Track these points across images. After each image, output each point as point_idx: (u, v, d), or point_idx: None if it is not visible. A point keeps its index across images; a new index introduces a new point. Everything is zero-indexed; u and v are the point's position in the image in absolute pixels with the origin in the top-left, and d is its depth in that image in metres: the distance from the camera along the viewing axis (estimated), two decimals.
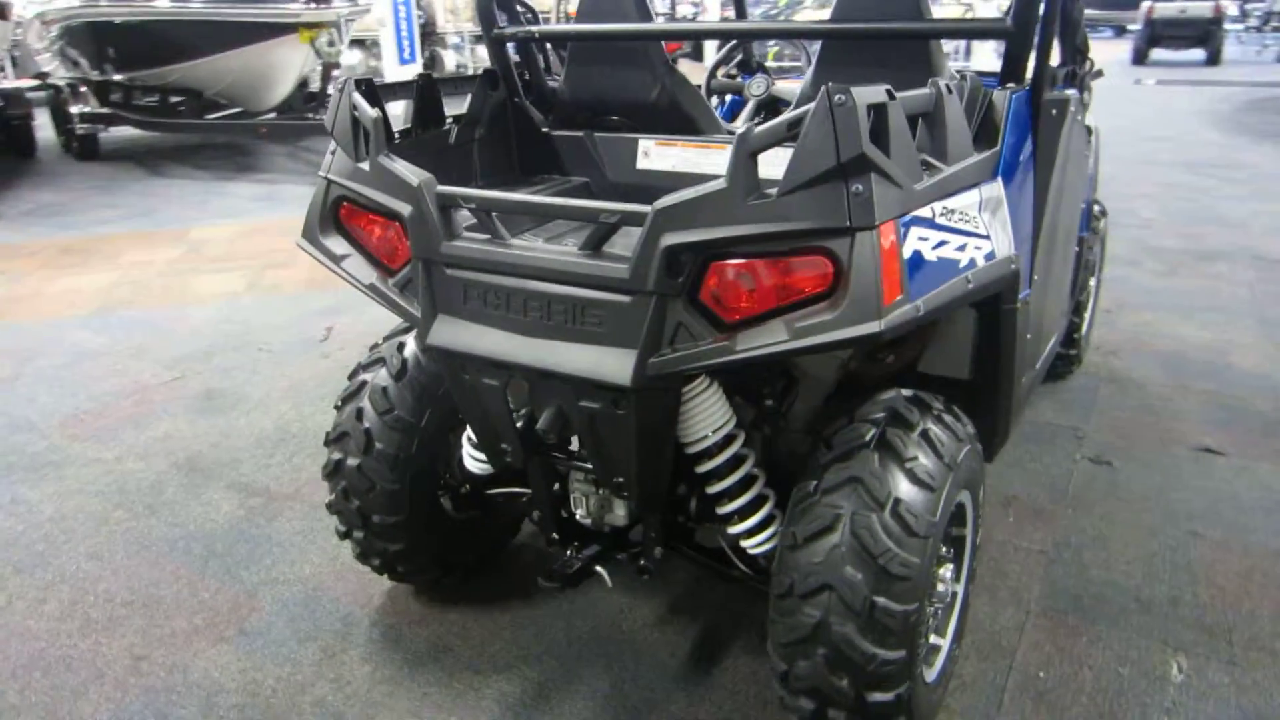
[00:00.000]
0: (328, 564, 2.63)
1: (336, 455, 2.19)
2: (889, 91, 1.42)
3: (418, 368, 2.18)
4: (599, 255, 1.61)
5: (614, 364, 1.59)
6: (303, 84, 8.96)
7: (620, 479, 1.81)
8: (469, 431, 2.22)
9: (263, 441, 3.39)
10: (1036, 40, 1.81)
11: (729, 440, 1.85)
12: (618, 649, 2.26)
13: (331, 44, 8.32)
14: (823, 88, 1.37)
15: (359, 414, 2.16)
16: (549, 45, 2.74)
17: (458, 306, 1.77)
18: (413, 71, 13.22)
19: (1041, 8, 1.79)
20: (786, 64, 3.43)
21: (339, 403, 2.23)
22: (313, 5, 8.21)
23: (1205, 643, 2.20)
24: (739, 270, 1.48)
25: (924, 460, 1.65)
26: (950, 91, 1.61)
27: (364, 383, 2.19)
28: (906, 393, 1.82)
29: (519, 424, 1.90)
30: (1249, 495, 2.83)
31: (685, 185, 2.29)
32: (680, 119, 2.42)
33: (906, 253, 1.45)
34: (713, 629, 2.31)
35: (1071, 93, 2.17)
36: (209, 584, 2.56)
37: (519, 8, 2.52)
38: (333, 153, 1.96)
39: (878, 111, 1.40)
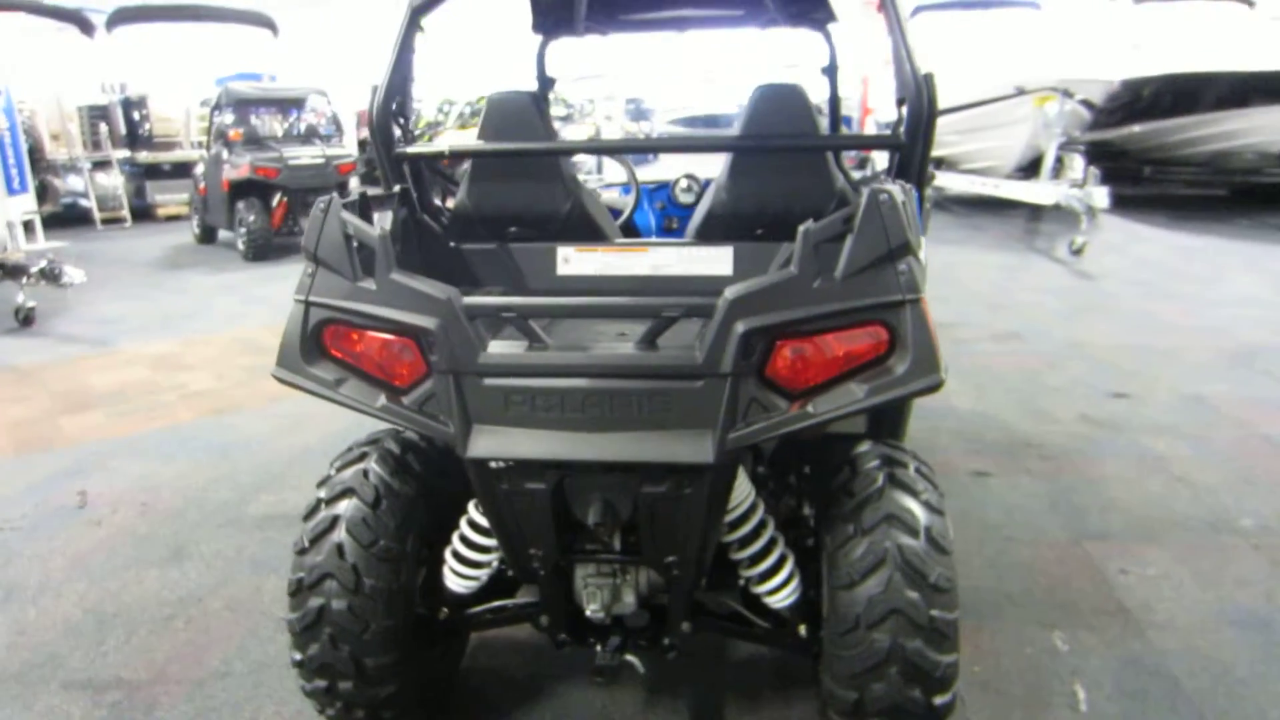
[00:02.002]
0: None
1: (316, 602, 1.99)
2: (902, 189, 1.76)
3: (392, 493, 2.07)
4: (654, 346, 1.74)
5: (690, 446, 1.71)
6: None
7: (673, 558, 1.90)
8: (455, 546, 2.15)
9: (77, 630, 2.83)
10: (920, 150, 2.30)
11: (754, 508, 2.03)
12: None
13: None
14: (866, 190, 1.68)
15: (339, 550, 1.99)
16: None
17: (498, 415, 1.77)
18: (24, 202, 11.64)
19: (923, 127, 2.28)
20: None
21: (304, 546, 2.03)
22: None
23: (1067, 617, 2.75)
24: (809, 345, 1.70)
25: (929, 492, 1.96)
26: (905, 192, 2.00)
27: (335, 518, 2.03)
28: (874, 443, 2.12)
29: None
30: (1026, 502, 3.56)
31: (615, 287, 2.48)
32: (589, 228, 2.59)
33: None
34: (697, 700, 2.41)
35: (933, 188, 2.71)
36: None
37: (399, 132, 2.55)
38: (312, 275, 1.87)
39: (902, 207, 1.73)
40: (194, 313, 7.52)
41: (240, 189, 9.72)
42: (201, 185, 10.75)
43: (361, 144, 16.80)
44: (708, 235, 2.52)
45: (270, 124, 10.99)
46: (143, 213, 13.68)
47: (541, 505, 1.86)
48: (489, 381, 1.75)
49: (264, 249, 9.70)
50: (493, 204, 2.56)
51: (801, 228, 1.69)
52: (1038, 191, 9.51)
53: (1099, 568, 3.04)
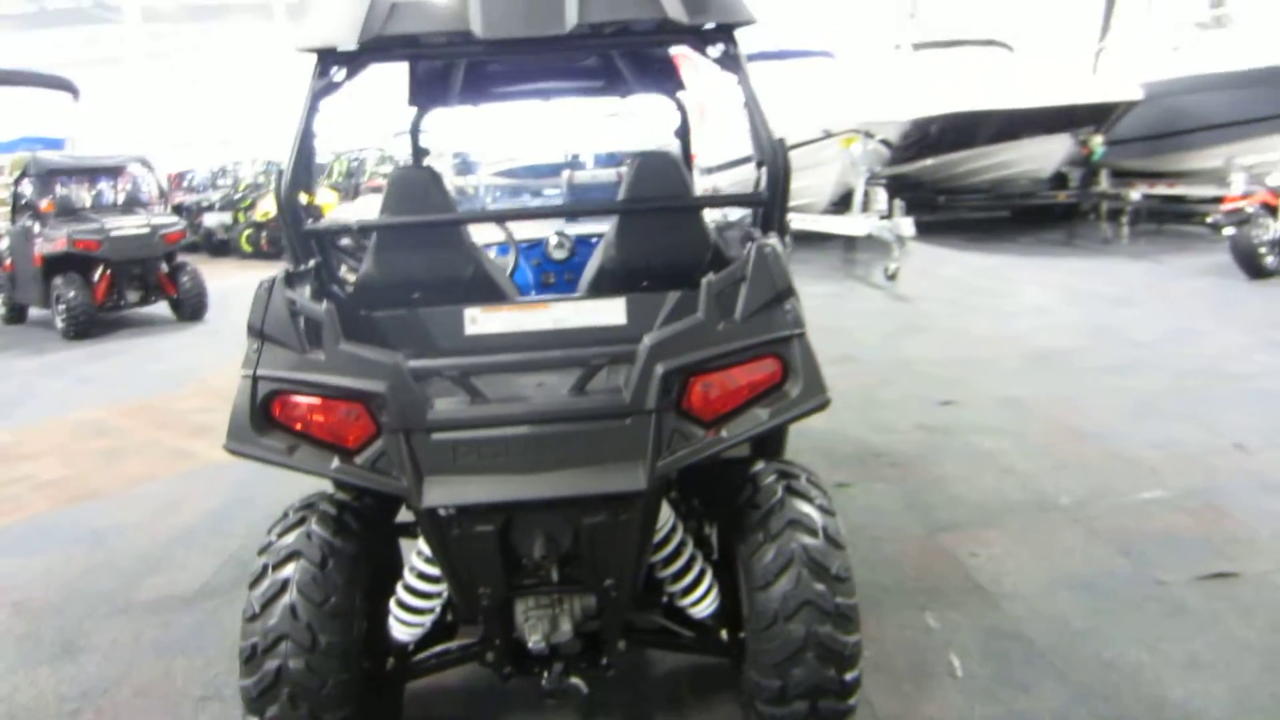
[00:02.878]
0: None
1: (273, 664, 2.06)
2: (780, 243, 2.09)
3: (335, 552, 2.18)
4: (585, 392, 1.98)
5: (624, 476, 1.95)
6: None
7: (611, 580, 2.11)
8: (400, 596, 2.27)
9: None
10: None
11: (674, 529, 2.28)
12: None
13: None
14: (751, 243, 2.00)
15: (293, 611, 2.08)
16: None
17: (447, 466, 1.95)
18: None
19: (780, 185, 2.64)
20: None
21: (254, 612, 2.10)
22: None
23: (936, 600, 3.16)
24: (717, 379, 1.99)
25: (820, 498, 2.28)
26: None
27: (285, 581, 2.11)
28: (768, 462, 2.42)
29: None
30: (884, 505, 4.00)
31: (521, 343, 2.70)
32: (491, 289, 2.79)
33: None
34: (630, 715, 2.61)
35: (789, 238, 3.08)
36: None
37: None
38: (258, 350, 1.99)
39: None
40: (18, 399, 7.00)
41: (56, 264, 9.10)
42: (7, 261, 9.97)
43: (176, 209, 16.01)
44: (600, 289, 2.78)
45: (80, 194, 10.31)
46: None
47: (490, 545, 2.03)
48: (437, 436, 1.93)
49: (87, 326, 9.09)
50: (399, 272, 2.70)
51: (704, 280, 1.98)
52: (851, 224, 10.43)
53: (953, 554, 3.49)
